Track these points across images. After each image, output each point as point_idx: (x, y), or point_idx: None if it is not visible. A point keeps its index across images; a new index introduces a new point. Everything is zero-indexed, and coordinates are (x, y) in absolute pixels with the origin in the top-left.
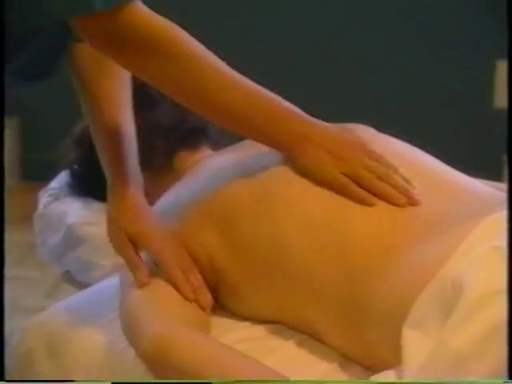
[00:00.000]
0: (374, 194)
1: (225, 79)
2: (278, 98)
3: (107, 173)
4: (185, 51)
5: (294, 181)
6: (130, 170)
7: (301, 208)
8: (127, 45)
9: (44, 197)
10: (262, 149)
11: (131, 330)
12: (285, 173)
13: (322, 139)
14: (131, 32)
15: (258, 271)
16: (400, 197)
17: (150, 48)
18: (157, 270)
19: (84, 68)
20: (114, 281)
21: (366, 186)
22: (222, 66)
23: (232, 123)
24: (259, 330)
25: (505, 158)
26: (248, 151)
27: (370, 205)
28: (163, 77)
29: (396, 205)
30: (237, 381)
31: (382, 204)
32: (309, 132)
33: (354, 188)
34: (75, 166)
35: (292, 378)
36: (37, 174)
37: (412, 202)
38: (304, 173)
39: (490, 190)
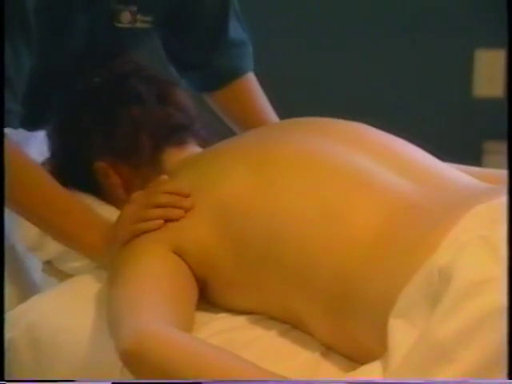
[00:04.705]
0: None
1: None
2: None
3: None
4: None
5: (289, 175)
6: None
7: (296, 202)
8: None
9: None
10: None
11: (112, 327)
12: (279, 166)
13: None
14: None
15: (251, 263)
16: (175, 212)
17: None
18: (140, 265)
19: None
20: (96, 272)
21: (149, 218)
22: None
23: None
24: (241, 320)
25: (485, 146)
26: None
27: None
28: None
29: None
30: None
31: (375, 196)
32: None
33: (142, 226)
34: (56, 157)
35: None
36: None
37: (185, 208)
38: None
39: (474, 180)
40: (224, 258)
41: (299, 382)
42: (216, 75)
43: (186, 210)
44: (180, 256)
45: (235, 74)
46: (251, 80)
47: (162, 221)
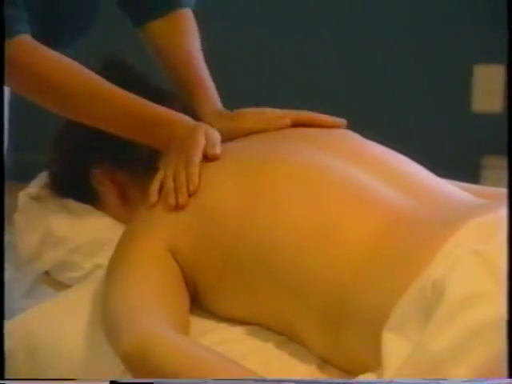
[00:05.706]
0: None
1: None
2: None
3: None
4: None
5: (286, 187)
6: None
7: (292, 214)
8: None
9: (23, 197)
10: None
11: (112, 332)
12: (276, 178)
13: None
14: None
15: (242, 274)
16: (171, 200)
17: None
18: (136, 266)
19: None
20: (93, 282)
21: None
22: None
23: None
24: (238, 332)
25: (484, 160)
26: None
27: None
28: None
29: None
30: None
31: (370, 210)
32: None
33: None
34: (54, 167)
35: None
36: (16, 175)
37: (178, 202)
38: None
39: (469, 195)
40: (212, 265)
41: (299, 382)
42: (153, 3)
43: (176, 205)
44: (174, 256)
45: (172, 3)
46: (187, 17)
47: (157, 193)
